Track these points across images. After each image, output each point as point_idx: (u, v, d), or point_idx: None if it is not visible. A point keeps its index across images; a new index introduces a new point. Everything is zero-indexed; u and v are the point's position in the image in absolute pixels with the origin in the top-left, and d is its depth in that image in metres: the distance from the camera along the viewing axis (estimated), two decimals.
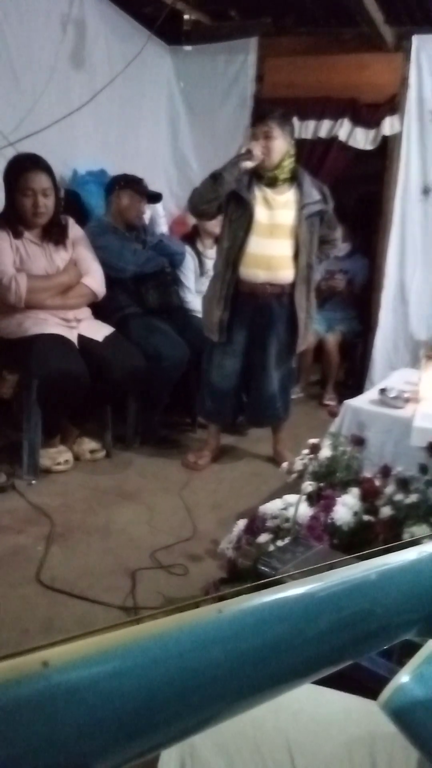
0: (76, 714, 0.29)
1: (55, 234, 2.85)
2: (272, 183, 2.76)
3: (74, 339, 2.81)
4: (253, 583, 0.39)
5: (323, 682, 0.80)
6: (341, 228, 4.40)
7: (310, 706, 0.73)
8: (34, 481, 2.66)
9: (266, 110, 2.85)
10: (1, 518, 2.36)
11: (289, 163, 2.76)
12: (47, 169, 2.77)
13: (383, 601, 0.43)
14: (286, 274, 2.79)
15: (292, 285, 2.82)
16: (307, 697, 0.75)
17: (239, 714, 0.37)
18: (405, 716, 0.58)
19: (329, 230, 2.95)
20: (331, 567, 0.42)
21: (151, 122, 4.22)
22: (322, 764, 0.68)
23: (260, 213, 2.73)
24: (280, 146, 2.71)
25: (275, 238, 2.76)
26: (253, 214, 2.72)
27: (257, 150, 2.66)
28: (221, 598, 0.37)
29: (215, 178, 2.66)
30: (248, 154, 2.66)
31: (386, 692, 0.58)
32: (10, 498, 2.52)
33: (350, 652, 0.43)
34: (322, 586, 0.40)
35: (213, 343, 2.89)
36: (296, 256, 2.78)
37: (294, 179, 2.79)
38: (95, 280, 2.96)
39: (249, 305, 2.81)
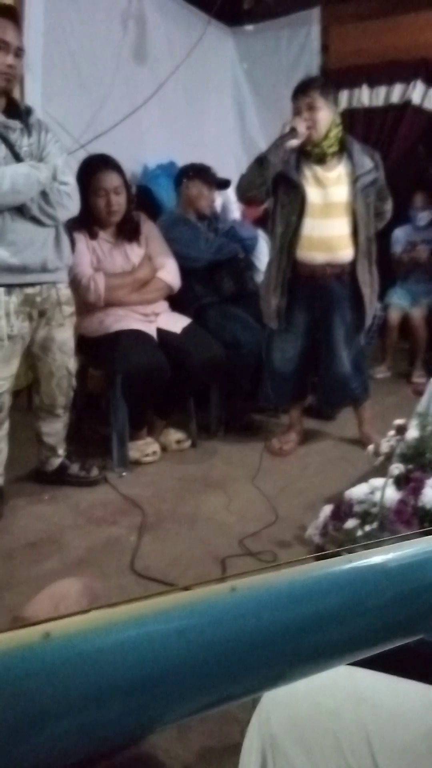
0: (77, 684, 0.30)
1: (128, 231, 2.90)
2: (321, 159, 2.63)
3: (153, 333, 2.86)
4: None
5: (401, 673, 0.78)
6: (421, 197, 4.23)
7: (390, 698, 0.72)
8: (124, 473, 2.74)
9: (306, 80, 2.69)
10: (95, 510, 2.45)
11: (336, 134, 2.62)
12: (117, 168, 2.82)
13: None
14: (345, 253, 2.67)
15: (353, 262, 2.69)
16: (386, 688, 0.74)
17: (249, 696, 0.37)
18: None
19: (380, 202, 2.77)
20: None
21: (217, 108, 4.21)
22: (402, 755, 0.67)
23: (312, 194, 2.61)
24: (326, 117, 2.57)
25: (331, 218, 2.63)
26: (304, 196, 2.60)
27: (301, 126, 2.54)
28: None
29: (261, 162, 2.57)
30: (292, 132, 2.54)
31: None
32: (103, 491, 2.60)
33: (403, 631, 0.43)
34: (334, 569, 0.40)
35: (272, 329, 2.83)
36: (355, 232, 2.65)
37: (343, 150, 2.64)
38: (170, 274, 3.00)
39: (308, 288, 2.72)
